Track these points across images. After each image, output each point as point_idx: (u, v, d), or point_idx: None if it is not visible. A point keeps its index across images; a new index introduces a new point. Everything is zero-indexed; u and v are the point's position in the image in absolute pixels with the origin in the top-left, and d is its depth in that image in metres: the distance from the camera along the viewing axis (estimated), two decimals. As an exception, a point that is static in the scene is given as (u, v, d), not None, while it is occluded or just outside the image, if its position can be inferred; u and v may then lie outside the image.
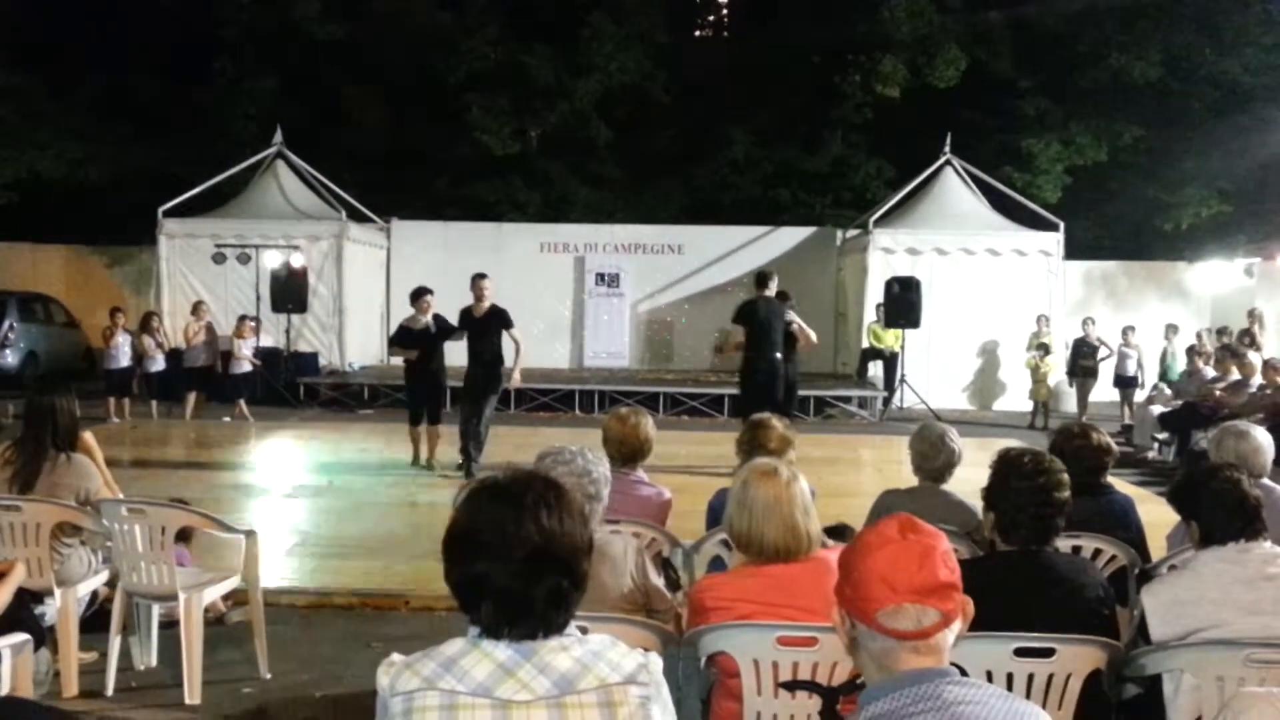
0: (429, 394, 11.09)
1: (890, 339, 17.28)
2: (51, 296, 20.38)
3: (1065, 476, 3.42)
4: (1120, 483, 6.67)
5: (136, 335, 15.10)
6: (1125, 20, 21.93)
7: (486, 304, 10.60)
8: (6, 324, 18.62)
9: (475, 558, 1.89)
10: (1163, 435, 13.00)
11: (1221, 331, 16.20)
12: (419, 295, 10.90)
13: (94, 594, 5.51)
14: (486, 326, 10.58)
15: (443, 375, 11.12)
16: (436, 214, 21.77)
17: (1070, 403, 16.74)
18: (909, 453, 4.82)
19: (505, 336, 10.59)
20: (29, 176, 22.18)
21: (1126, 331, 16.23)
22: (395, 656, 1.94)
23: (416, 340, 10.87)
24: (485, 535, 1.90)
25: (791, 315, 11.21)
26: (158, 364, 15.15)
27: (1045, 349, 16.36)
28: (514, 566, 1.87)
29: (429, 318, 10.82)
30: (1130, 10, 21.83)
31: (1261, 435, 4.79)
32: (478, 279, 10.65)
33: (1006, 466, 3.45)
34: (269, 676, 5.27)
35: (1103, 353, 16.11)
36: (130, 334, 15.08)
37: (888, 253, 17.79)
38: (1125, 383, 16.00)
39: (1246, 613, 3.19)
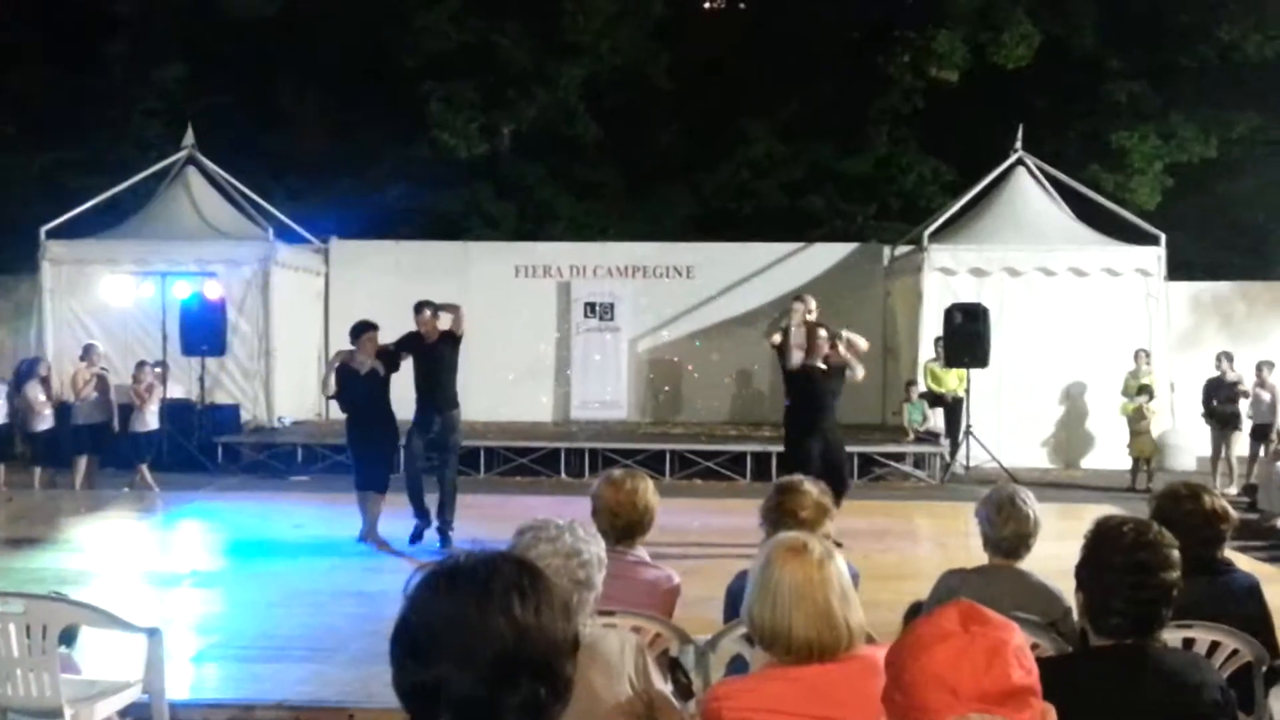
0: (376, 452, 11.23)
1: (952, 381, 17.28)
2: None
3: (1174, 552, 3.40)
4: (1242, 558, 6.66)
5: (14, 386, 15.09)
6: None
7: (437, 332, 11.01)
8: None
9: (431, 660, 1.88)
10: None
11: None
12: (361, 333, 11.10)
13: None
14: (439, 354, 10.95)
15: (393, 428, 11.29)
16: (387, 231, 21.84)
17: (1179, 458, 16.71)
18: (976, 522, 4.81)
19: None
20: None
21: (1262, 368, 16.02)
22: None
23: (359, 387, 11.01)
24: (443, 632, 1.88)
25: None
26: (45, 422, 15.08)
27: (1148, 392, 16.33)
28: (479, 671, 1.86)
29: (374, 361, 10.96)
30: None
31: None
32: (420, 309, 11.04)
33: (1100, 538, 3.44)
34: (177, 813, 5.23)
35: (1243, 395, 15.96)
36: (5, 384, 15.08)
37: (947, 274, 17.84)
38: (1260, 433, 15.82)
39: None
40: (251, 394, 18.29)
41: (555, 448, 17.21)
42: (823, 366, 11.06)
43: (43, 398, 15.09)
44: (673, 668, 4.39)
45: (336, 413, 19.60)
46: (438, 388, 11.08)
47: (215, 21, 24.23)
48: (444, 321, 11.07)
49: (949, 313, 16.58)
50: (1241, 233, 23.06)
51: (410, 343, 11.12)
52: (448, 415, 11.15)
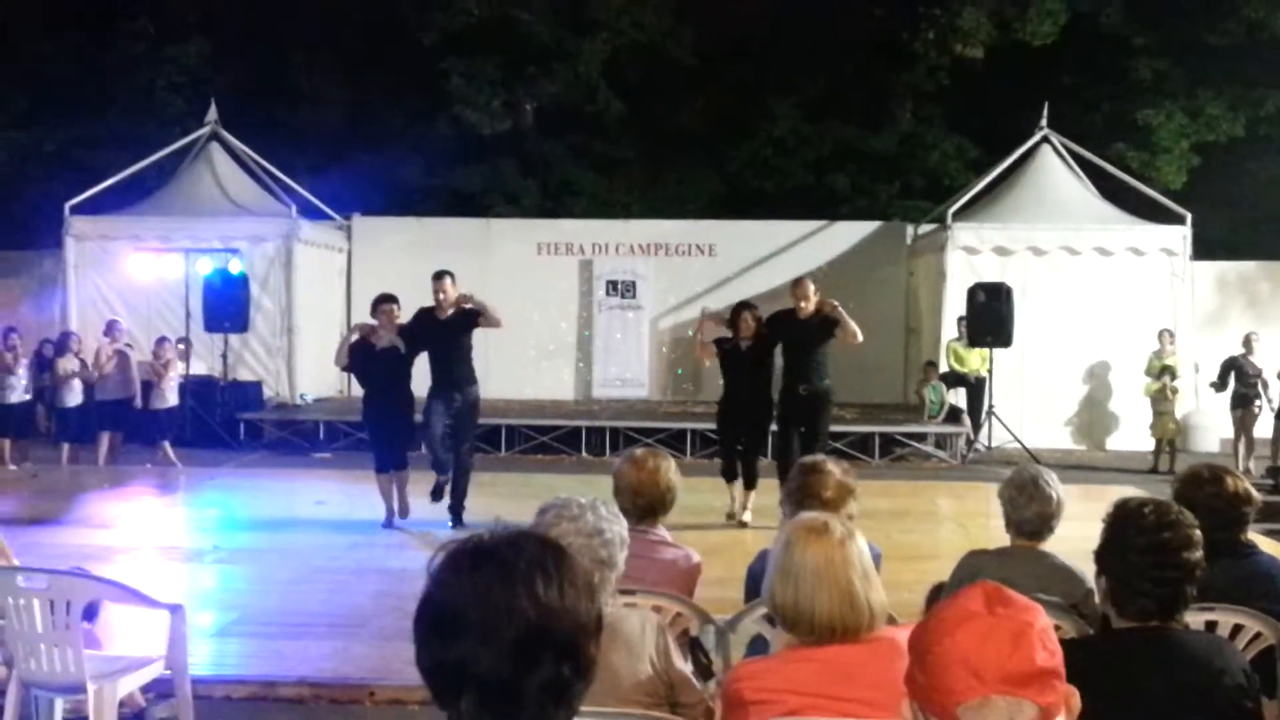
0: (392, 431, 11.08)
1: (975, 361, 17.24)
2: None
3: (1196, 533, 3.39)
4: (1266, 541, 6.64)
5: (37, 362, 15.15)
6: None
7: (451, 306, 10.72)
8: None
9: (454, 638, 1.88)
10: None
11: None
12: (377, 305, 10.96)
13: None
14: (452, 330, 10.72)
15: (410, 407, 11.14)
16: (409, 208, 21.84)
17: (1203, 439, 16.63)
18: (998, 503, 4.81)
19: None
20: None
21: None
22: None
23: (376, 364, 10.92)
24: (467, 611, 1.89)
25: None
26: (75, 397, 15.14)
27: (1170, 372, 16.26)
28: (502, 649, 1.86)
29: (393, 338, 10.86)
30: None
31: None
32: (439, 277, 10.78)
33: (1122, 521, 3.42)
34: (199, 787, 5.28)
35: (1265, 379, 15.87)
36: (26, 360, 15.16)
37: (970, 252, 17.79)
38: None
39: None
40: (274, 370, 18.36)
41: (576, 426, 17.24)
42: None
43: (74, 372, 15.16)
44: (693, 648, 4.40)
45: (358, 389, 19.79)
46: (453, 364, 10.81)
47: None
48: (455, 292, 10.79)
49: (972, 292, 16.55)
50: (1268, 212, 22.88)
51: (418, 323, 10.87)
52: (466, 392, 10.88)
